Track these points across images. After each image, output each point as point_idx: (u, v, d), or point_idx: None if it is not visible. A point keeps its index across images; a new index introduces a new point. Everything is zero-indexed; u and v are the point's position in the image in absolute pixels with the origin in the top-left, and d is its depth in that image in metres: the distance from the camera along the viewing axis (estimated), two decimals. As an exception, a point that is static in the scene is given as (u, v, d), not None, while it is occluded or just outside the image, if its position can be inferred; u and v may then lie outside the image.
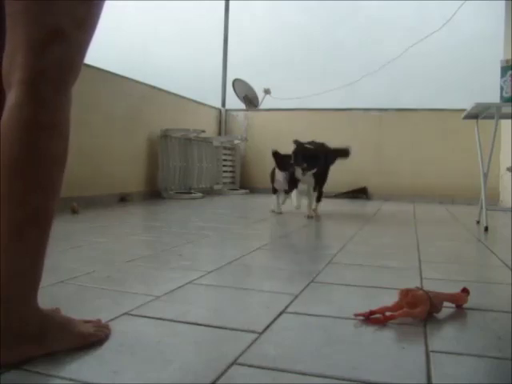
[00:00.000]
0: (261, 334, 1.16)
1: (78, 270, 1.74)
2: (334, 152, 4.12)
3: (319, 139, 7.09)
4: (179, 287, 1.60)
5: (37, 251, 0.96)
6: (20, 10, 0.93)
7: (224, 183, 6.81)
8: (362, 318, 1.27)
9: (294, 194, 3.87)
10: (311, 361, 1.02)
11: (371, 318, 1.26)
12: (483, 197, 3.52)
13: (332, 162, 4.15)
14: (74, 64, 1.00)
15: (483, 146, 3.65)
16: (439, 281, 1.79)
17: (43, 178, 0.95)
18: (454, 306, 1.41)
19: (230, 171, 7.08)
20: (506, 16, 5.85)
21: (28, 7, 0.93)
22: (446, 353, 1.08)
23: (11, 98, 0.93)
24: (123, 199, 4.89)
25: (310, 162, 3.69)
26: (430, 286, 1.47)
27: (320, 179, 4.02)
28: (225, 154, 6.88)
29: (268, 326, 1.22)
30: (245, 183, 7.18)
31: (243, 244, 2.55)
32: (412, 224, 3.70)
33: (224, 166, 6.85)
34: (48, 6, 0.93)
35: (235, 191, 6.84)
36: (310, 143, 3.91)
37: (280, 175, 3.98)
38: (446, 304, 1.37)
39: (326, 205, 5.59)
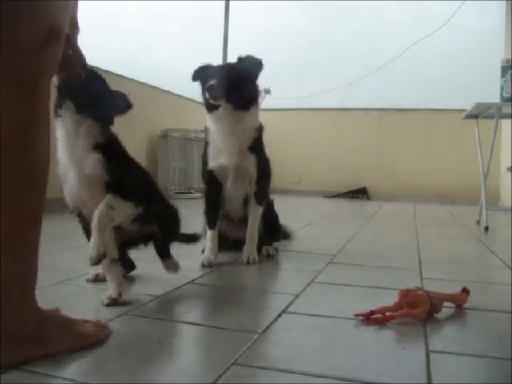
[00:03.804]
0: (261, 334, 1.16)
1: (77, 270, 1.74)
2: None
3: (319, 139, 7.06)
4: (179, 287, 1.60)
5: (34, 251, 0.96)
6: (18, 10, 0.92)
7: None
8: (362, 318, 1.27)
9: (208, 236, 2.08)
10: (312, 361, 1.02)
11: (371, 318, 1.26)
12: (483, 197, 3.52)
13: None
14: (59, 59, 1.00)
15: (483, 146, 3.65)
16: (439, 281, 1.79)
17: (38, 176, 0.95)
18: (453, 305, 1.41)
19: (230, 171, 7.06)
20: (506, 16, 5.86)
21: (26, 6, 0.92)
22: (445, 353, 1.08)
23: (6, 96, 0.92)
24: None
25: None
26: (430, 286, 1.47)
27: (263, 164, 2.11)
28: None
29: (268, 327, 1.22)
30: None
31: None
32: (412, 224, 3.70)
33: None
34: (45, 5, 0.93)
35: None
36: None
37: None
38: (446, 304, 1.37)
39: (327, 205, 5.59)
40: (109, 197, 1.37)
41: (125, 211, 1.42)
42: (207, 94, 1.92)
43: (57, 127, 1.37)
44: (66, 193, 1.41)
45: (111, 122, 1.44)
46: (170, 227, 1.66)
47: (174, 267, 1.64)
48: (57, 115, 1.36)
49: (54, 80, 1.30)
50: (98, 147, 1.37)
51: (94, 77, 1.40)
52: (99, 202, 1.38)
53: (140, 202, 1.46)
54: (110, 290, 1.39)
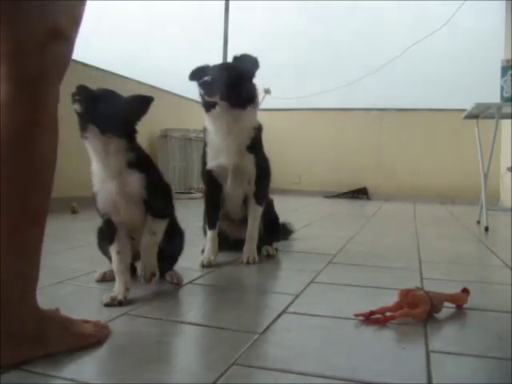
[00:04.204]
0: (261, 334, 1.16)
1: (77, 270, 1.74)
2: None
3: (319, 139, 7.04)
4: (179, 287, 1.60)
5: (35, 251, 0.96)
6: (18, 10, 0.92)
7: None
8: (362, 318, 1.27)
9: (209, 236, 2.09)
10: (311, 361, 1.02)
11: (371, 318, 1.26)
12: (483, 197, 3.52)
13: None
14: (67, 61, 1.00)
15: (483, 146, 3.65)
16: (439, 281, 1.79)
17: (41, 178, 0.95)
18: (453, 305, 1.41)
19: (230, 171, 7.05)
20: (506, 16, 5.85)
21: (26, 6, 0.92)
22: (446, 353, 1.08)
23: (7, 96, 0.92)
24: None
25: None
26: (430, 286, 1.47)
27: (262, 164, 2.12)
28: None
29: (268, 327, 1.22)
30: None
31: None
32: (412, 224, 3.70)
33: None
34: (48, 5, 0.93)
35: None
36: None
37: None
38: (446, 304, 1.37)
39: (327, 205, 5.59)
40: (149, 224, 1.49)
41: (162, 229, 1.54)
42: (201, 90, 1.91)
43: (86, 147, 1.44)
44: (100, 200, 1.47)
45: (135, 131, 1.48)
46: (176, 248, 1.71)
47: (178, 278, 1.65)
48: (83, 137, 1.42)
49: (76, 107, 1.37)
50: (134, 165, 1.45)
51: (109, 96, 1.44)
52: (132, 212, 1.47)
53: (170, 217, 1.59)
54: (116, 291, 1.40)
